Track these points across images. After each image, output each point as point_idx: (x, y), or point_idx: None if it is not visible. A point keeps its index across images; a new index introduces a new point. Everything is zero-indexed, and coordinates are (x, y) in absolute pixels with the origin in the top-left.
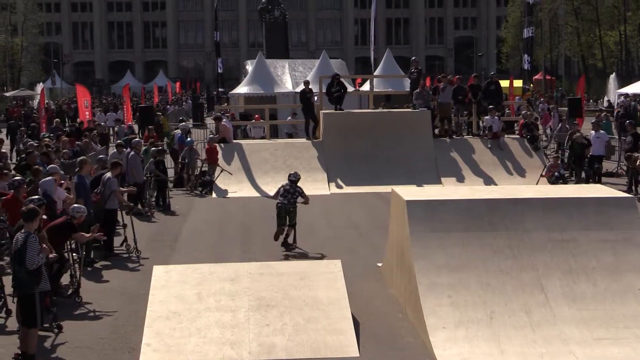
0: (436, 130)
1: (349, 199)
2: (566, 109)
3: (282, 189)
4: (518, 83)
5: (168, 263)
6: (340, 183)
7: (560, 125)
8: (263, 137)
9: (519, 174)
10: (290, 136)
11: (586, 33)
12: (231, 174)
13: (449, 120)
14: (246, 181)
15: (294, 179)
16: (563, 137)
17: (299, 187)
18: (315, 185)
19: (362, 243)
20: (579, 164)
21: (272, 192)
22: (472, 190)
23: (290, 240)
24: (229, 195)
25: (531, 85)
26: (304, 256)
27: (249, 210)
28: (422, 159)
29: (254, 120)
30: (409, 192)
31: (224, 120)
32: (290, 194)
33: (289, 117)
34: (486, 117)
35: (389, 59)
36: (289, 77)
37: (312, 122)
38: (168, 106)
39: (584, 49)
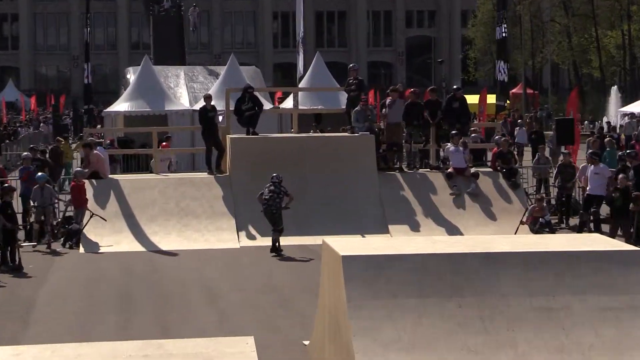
0: (382, 162)
1: (266, 254)
2: (553, 132)
3: (266, 190)
4: (491, 99)
5: (18, 342)
6: (254, 232)
7: (538, 155)
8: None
9: (492, 219)
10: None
11: (579, 33)
12: (105, 220)
13: (399, 148)
14: (126, 230)
15: (277, 180)
16: (545, 171)
17: (284, 187)
18: (219, 235)
19: (284, 313)
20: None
21: (164, 245)
22: (430, 241)
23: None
24: (103, 249)
25: (507, 102)
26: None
27: (129, 270)
28: (364, 200)
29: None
30: (345, 245)
31: (97, 148)
32: (276, 194)
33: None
34: (448, 144)
35: (319, 66)
36: (185, 89)
37: (215, 151)
38: (19, 128)
39: (576, 54)
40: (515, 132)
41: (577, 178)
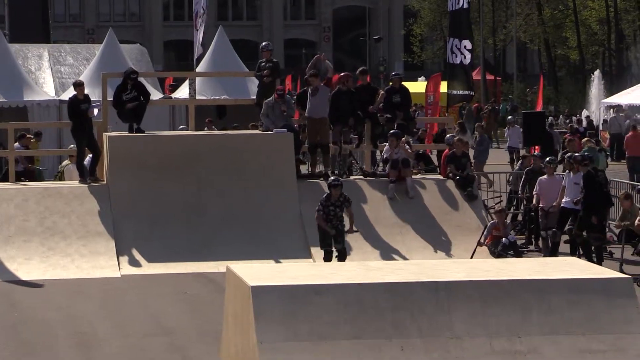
0: (304, 167)
1: (154, 285)
2: (519, 128)
3: (320, 206)
4: (442, 86)
5: None
6: (138, 257)
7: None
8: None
9: (443, 240)
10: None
11: (552, 4)
12: None
13: (324, 149)
14: None
15: (336, 182)
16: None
17: (346, 195)
18: (94, 261)
19: None
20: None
21: (24, 274)
22: (363, 268)
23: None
24: None
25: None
26: None
27: None
28: (280, 216)
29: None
30: (256, 273)
31: None
32: (337, 207)
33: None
34: (386, 145)
35: (222, 44)
36: (50, 74)
37: (89, 153)
38: None
39: (548, 30)
40: (506, 133)
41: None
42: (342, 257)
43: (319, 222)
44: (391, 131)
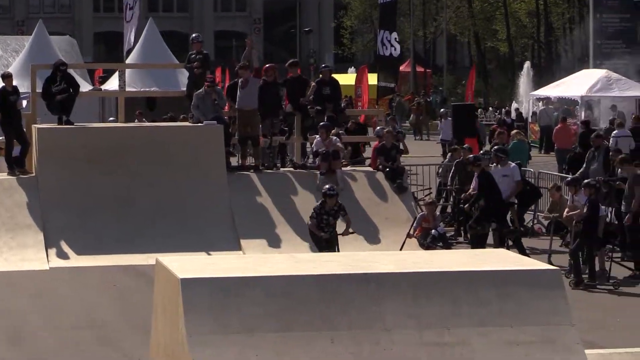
0: (235, 159)
1: (83, 278)
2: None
3: (314, 213)
4: (373, 78)
5: None
6: (67, 250)
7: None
8: None
9: (372, 232)
10: None
11: None
12: None
13: (254, 142)
14: None
15: (332, 192)
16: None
17: (341, 204)
18: (23, 254)
19: (107, 354)
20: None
21: None
22: (293, 260)
23: None
24: None
25: (394, 84)
26: None
27: None
28: (209, 208)
29: None
30: (185, 265)
31: None
32: (330, 216)
33: None
34: (316, 137)
35: (152, 36)
36: None
37: (17, 145)
38: None
39: (478, 22)
40: (440, 125)
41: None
42: None
43: (311, 229)
44: (321, 123)
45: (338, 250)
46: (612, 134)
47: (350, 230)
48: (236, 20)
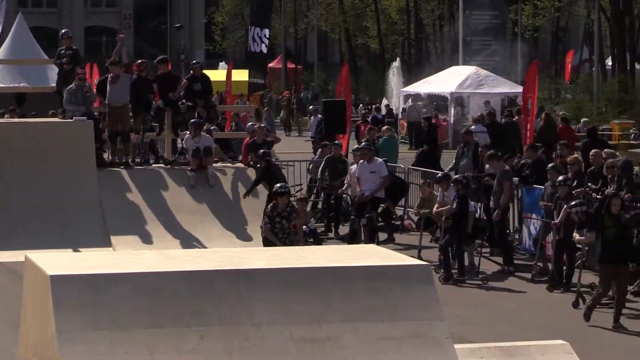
0: (105, 155)
1: None
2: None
3: (266, 218)
4: (243, 74)
5: None
6: None
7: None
8: None
9: (243, 228)
10: None
11: None
12: None
13: (125, 138)
14: None
15: (283, 189)
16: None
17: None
18: None
19: None
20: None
21: None
22: (164, 256)
23: None
24: None
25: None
26: None
27: None
28: (79, 205)
29: None
30: (55, 262)
31: None
32: (283, 218)
33: None
34: (187, 133)
35: (21, 31)
36: None
37: None
38: None
39: (349, 19)
40: (309, 122)
41: (347, 182)
42: None
43: (266, 235)
44: (191, 120)
45: None
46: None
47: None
48: (106, 16)
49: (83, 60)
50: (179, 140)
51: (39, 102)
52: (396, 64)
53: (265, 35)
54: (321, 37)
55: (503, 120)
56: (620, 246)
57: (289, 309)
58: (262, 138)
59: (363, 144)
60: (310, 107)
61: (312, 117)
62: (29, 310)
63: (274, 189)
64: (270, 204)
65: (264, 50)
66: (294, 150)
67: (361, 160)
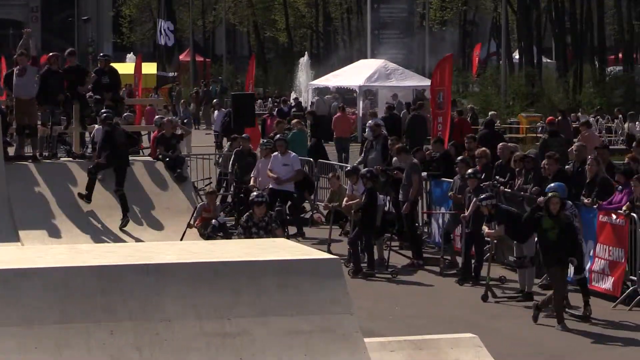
0: (13, 149)
1: None
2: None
3: (240, 228)
4: (151, 67)
5: None
6: None
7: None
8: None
9: (153, 221)
10: None
11: None
12: None
13: (32, 131)
14: None
15: (260, 199)
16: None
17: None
18: None
19: None
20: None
21: None
22: (73, 251)
23: None
24: None
25: (174, 72)
26: None
27: None
28: None
29: None
30: None
31: None
32: (260, 229)
33: None
34: (95, 126)
35: None
36: None
37: None
38: None
39: (257, 12)
40: (213, 116)
41: (254, 175)
42: None
43: None
44: (102, 111)
45: None
46: (367, 123)
47: None
48: (13, 9)
49: None
50: (87, 134)
51: None
52: (305, 59)
53: (168, 28)
54: (229, 30)
55: (410, 113)
56: (562, 247)
57: (199, 304)
58: (171, 131)
59: (278, 136)
60: (214, 100)
61: (216, 110)
62: None
63: (251, 198)
64: (246, 214)
65: (170, 43)
66: (203, 143)
67: (275, 153)
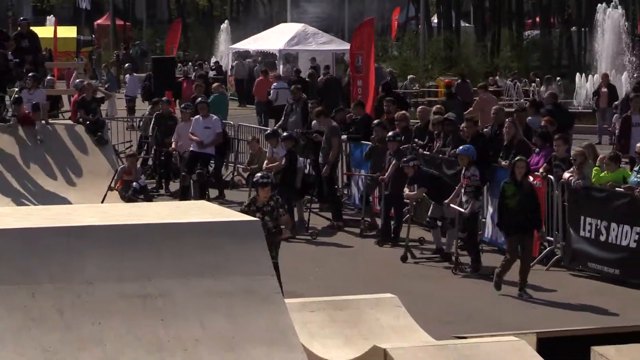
0: None
1: None
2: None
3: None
4: (71, 31)
5: None
6: None
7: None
8: None
9: (73, 184)
10: None
11: None
12: None
13: None
14: None
15: (265, 180)
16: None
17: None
18: None
19: None
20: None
21: None
22: None
23: None
24: None
25: (93, 35)
26: None
27: None
28: None
29: None
30: None
31: None
32: (265, 214)
33: None
34: (22, 90)
35: None
36: None
37: None
38: None
39: None
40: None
41: (175, 139)
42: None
43: None
44: (32, 73)
45: (277, 260)
46: (272, 86)
47: (289, 233)
48: None
49: None
50: (7, 97)
51: None
52: (225, 25)
53: None
54: None
55: (323, 77)
56: (523, 215)
57: (120, 266)
58: (91, 95)
59: (199, 99)
60: (127, 65)
61: (128, 75)
62: None
63: (255, 179)
64: (250, 198)
65: (88, 7)
66: (121, 107)
67: (196, 116)
